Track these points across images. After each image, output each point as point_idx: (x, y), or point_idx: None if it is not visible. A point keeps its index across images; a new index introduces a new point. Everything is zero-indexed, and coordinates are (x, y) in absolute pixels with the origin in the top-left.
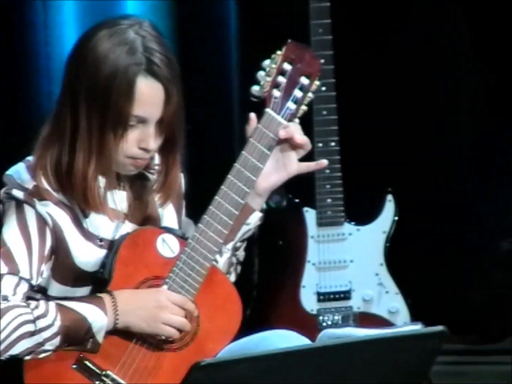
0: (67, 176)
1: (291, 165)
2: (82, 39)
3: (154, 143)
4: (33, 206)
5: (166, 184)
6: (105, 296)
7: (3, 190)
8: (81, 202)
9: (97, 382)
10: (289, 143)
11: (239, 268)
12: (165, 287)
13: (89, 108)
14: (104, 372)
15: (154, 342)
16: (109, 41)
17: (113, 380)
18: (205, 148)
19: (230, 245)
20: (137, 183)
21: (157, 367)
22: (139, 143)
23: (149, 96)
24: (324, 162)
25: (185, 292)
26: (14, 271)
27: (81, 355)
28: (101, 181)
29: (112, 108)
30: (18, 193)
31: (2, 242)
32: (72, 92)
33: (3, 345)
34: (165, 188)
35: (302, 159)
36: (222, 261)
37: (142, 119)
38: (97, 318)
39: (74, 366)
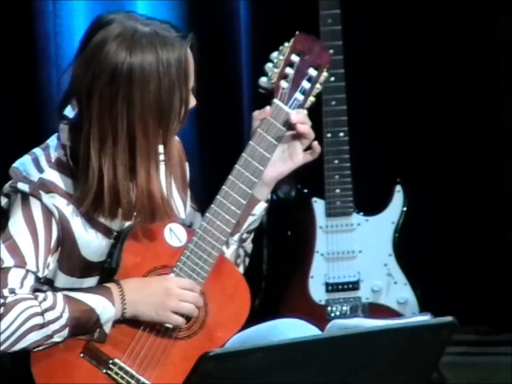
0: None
1: (296, 154)
2: (111, 58)
3: None
4: (39, 198)
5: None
6: (112, 286)
7: (8, 183)
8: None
9: (104, 370)
10: (294, 133)
11: (247, 260)
12: (172, 275)
13: (145, 124)
14: (112, 360)
15: (163, 330)
16: (146, 53)
17: (120, 368)
18: (215, 140)
19: (236, 237)
20: None
21: (165, 355)
22: None
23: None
24: (316, 145)
25: (193, 281)
26: (21, 263)
27: (89, 344)
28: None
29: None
30: (24, 186)
31: (9, 235)
32: (111, 105)
33: (12, 339)
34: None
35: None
36: (229, 252)
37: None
38: (105, 309)
39: (82, 355)
